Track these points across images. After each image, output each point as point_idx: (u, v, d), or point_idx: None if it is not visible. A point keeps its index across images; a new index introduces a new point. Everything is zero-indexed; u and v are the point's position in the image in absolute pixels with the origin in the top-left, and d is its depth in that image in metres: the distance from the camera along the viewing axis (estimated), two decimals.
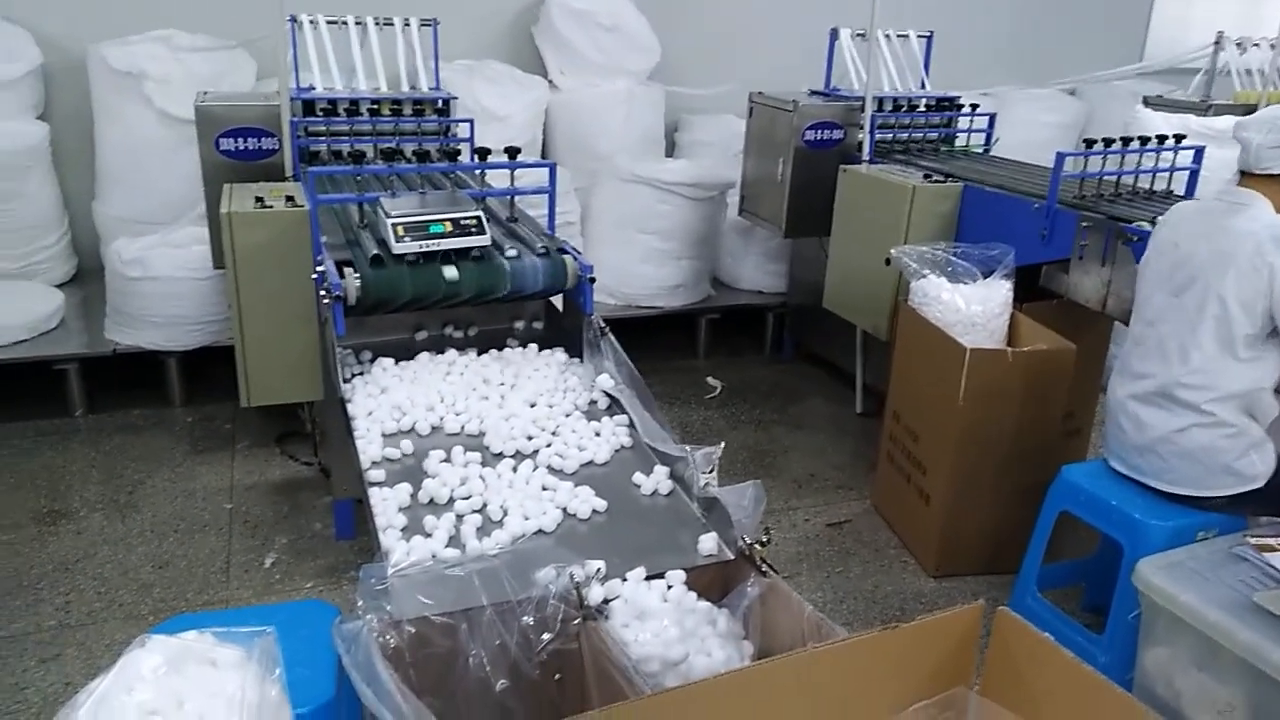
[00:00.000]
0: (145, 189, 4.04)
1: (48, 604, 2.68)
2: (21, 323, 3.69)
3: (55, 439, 3.57)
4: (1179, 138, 3.24)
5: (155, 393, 3.84)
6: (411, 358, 2.54)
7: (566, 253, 2.61)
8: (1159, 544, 2.22)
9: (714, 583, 1.79)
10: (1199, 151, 3.23)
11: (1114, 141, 3.14)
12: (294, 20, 3.46)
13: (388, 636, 1.52)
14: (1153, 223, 2.64)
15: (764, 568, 1.73)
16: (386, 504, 1.93)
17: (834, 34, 4.19)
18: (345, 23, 3.59)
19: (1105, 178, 3.19)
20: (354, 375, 2.47)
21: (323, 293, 2.38)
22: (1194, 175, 3.23)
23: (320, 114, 3.40)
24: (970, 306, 2.94)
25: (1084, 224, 2.93)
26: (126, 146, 4.03)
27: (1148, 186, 3.28)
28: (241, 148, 3.20)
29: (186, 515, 3.13)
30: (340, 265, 2.44)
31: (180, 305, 3.67)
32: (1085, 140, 3.17)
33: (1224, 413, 2.24)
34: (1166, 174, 3.25)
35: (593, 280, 2.54)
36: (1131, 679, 2.16)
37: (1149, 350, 2.38)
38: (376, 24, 3.63)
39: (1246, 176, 2.31)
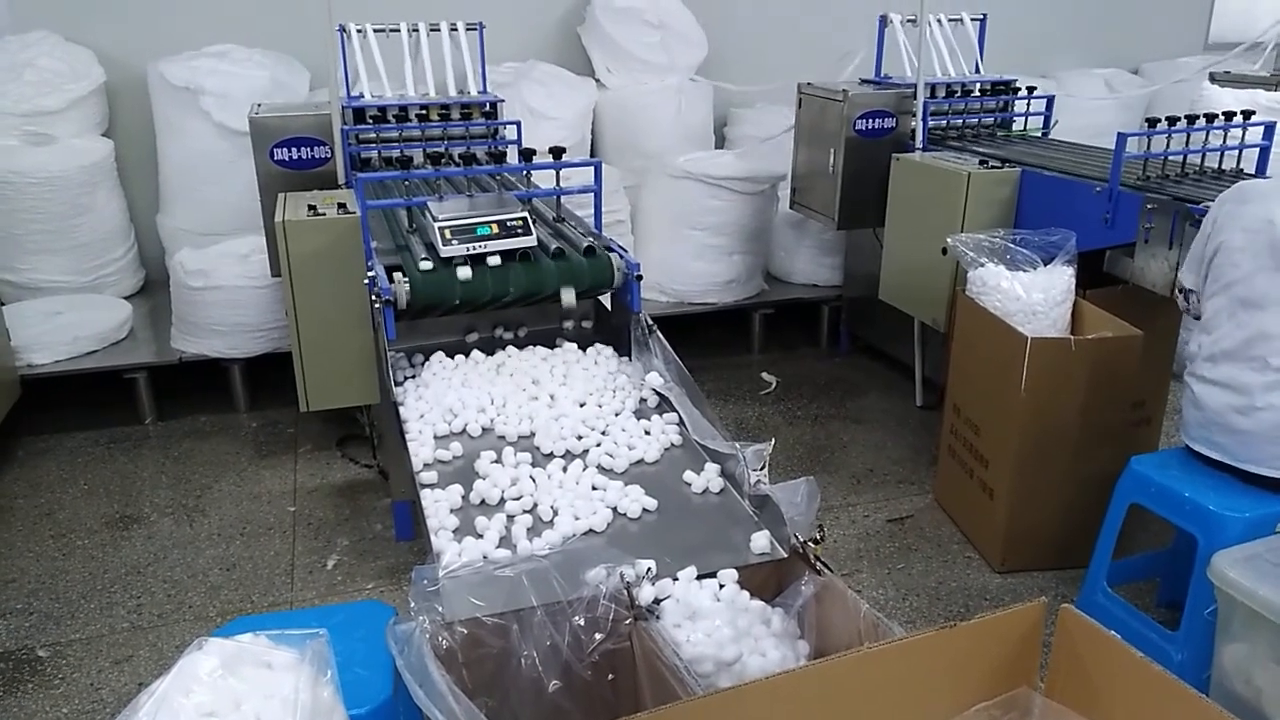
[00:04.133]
0: (206, 201, 4.15)
1: (120, 606, 2.77)
2: (93, 334, 3.82)
3: (127, 445, 3.68)
4: (1248, 114, 3.11)
5: (221, 399, 3.94)
6: (463, 356, 2.55)
7: (613, 251, 2.60)
8: (1235, 536, 2.13)
9: (767, 582, 1.76)
10: (1270, 127, 3.10)
11: (1178, 120, 3.03)
12: (343, 30, 3.51)
13: (440, 638, 1.52)
14: None
15: (818, 565, 1.70)
16: (438, 505, 1.94)
17: (883, 20, 4.11)
18: (394, 29, 3.64)
19: (1170, 158, 3.08)
20: (406, 378, 2.49)
21: (373, 297, 2.41)
22: (1264, 152, 3.10)
23: (370, 121, 3.44)
24: (1031, 294, 2.86)
25: (1149, 206, 2.83)
26: (187, 160, 4.14)
27: (1215, 165, 3.16)
28: (295, 157, 3.25)
29: (252, 519, 3.20)
30: (390, 270, 2.47)
31: (242, 313, 3.76)
32: (1148, 119, 3.07)
33: None
34: (1235, 152, 3.13)
35: (639, 278, 2.53)
36: (1209, 676, 2.08)
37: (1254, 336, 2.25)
38: (417, 30, 3.66)
39: None
